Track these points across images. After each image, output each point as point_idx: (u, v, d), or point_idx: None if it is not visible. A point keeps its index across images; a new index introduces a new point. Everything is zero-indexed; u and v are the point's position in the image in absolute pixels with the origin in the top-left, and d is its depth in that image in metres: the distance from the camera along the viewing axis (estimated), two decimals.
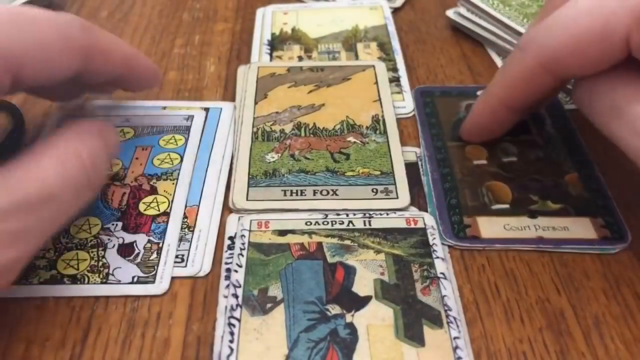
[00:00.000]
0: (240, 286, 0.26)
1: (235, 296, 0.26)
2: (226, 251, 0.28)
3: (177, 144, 0.34)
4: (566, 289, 0.27)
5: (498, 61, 0.42)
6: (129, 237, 0.29)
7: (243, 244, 0.28)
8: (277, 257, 0.28)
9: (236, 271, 0.27)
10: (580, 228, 0.29)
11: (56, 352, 0.25)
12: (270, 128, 0.35)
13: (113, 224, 0.30)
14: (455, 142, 0.34)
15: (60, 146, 0.24)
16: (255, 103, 0.37)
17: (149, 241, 0.29)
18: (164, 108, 0.38)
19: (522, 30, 0.40)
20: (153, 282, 0.27)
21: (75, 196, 0.24)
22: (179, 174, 0.32)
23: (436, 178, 0.32)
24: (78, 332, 0.25)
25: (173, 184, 0.32)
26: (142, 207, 0.30)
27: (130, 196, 0.31)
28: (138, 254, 0.28)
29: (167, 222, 0.30)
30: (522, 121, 0.34)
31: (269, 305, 0.25)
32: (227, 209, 0.31)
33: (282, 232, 0.29)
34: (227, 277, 0.27)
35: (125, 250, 0.28)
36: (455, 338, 0.24)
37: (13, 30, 0.24)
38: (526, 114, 0.33)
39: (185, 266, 0.28)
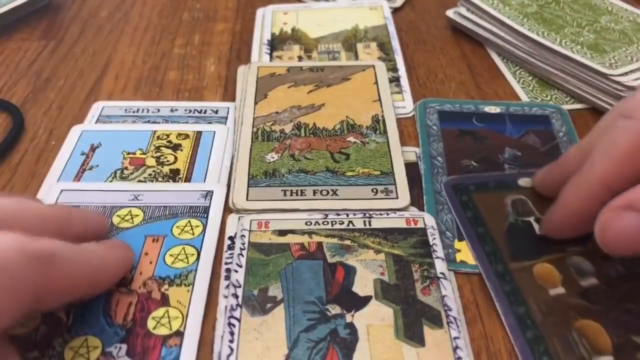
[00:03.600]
0: (240, 286, 0.26)
1: (235, 296, 0.26)
2: (226, 251, 0.28)
3: (193, 233, 0.29)
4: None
5: (498, 61, 0.42)
6: None
7: (243, 244, 0.28)
8: (277, 257, 0.27)
9: (236, 271, 0.27)
10: None
11: None
12: (270, 128, 0.35)
13: (116, 347, 0.24)
14: (518, 262, 0.27)
15: None
16: (255, 103, 0.37)
17: None
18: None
19: (522, 30, 0.40)
20: None
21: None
22: (195, 278, 0.27)
23: (513, 324, 0.25)
24: None
25: (188, 291, 0.26)
26: (151, 323, 0.25)
27: (137, 308, 0.26)
28: None
29: (181, 345, 0.24)
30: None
31: (269, 305, 0.25)
32: (227, 209, 0.31)
33: (282, 232, 0.29)
34: (227, 277, 0.27)
35: None
36: (455, 338, 0.24)
37: None
38: None
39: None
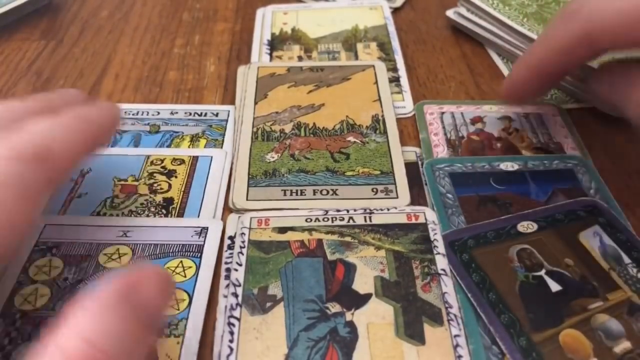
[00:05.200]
0: (240, 285, 0.26)
1: (235, 295, 0.26)
2: (226, 250, 0.28)
3: (185, 276, 0.26)
4: None
5: (498, 61, 0.42)
6: None
7: (243, 242, 0.28)
8: (277, 255, 0.27)
9: (236, 270, 0.27)
10: None
11: None
12: (270, 128, 0.35)
13: None
14: (541, 333, 0.24)
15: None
16: (255, 103, 0.37)
17: None
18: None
19: (522, 30, 0.40)
20: None
21: None
22: (185, 327, 0.24)
23: None
24: None
25: (178, 344, 0.24)
26: None
27: None
28: None
29: None
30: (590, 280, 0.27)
31: (268, 304, 0.25)
32: (227, 208, 0.31)
33: (282, 230, 0.29)
34: (227, 277, 0.27)
35: None
36: (455, 336, 0.24)
37: None
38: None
39: None
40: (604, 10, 0.26)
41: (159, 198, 0.31)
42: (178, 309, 0.25)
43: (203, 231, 0.29)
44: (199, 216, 0.30)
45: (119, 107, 0.28)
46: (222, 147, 0.34)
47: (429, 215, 0.29)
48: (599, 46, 0.27)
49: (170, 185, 0.32)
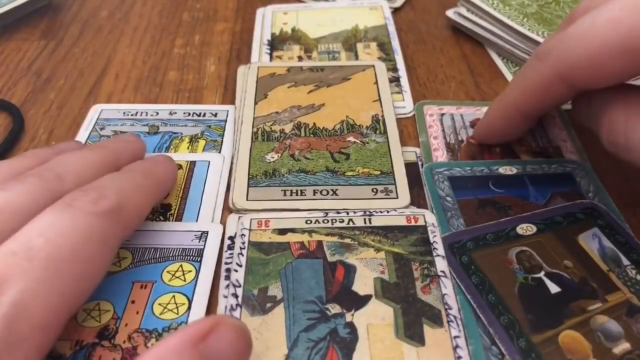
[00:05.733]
0: (240, 286, 0.26)
1: (235, 296, 0.26)
2: (226, 251, 0.28)
3: (185, 280, 0.26)
4: None
5: (498, 61, 0.42)
6: None
7: (243, 243, 0.28)
8: (277, 256, 0.27)
9: (236, 271, 0.27)
10: None
11: None
12: (270, 128, 0.35)
13: None
14: (540, 334, 0.24)
15: None
16: (255, 103, 0.37)
17: None
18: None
19: (522, 30, 0.40)
20: None
21: None
22: None
23: None
24: None
25: None
26: None
27: None
28: None
29: None
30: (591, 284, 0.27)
31: (268, 304, 0.25)
32: (227, 209, 0.31)
33: (282, 231, 0.29)
34: (227, 277, 0.27)
35: None
36: (455, 337, 0.24)
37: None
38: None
39: None
40: (575, 48, 0.26)
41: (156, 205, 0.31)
42: (177, 313, 0.25)
43: (203, 235, 0.28)
44: (196, 222, 0.30)
45: (175, 163, 0.31)
46: (220, 148, 0.34)
47: (428, 217, 0.29)
48: (573, 85, 0.27)
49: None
